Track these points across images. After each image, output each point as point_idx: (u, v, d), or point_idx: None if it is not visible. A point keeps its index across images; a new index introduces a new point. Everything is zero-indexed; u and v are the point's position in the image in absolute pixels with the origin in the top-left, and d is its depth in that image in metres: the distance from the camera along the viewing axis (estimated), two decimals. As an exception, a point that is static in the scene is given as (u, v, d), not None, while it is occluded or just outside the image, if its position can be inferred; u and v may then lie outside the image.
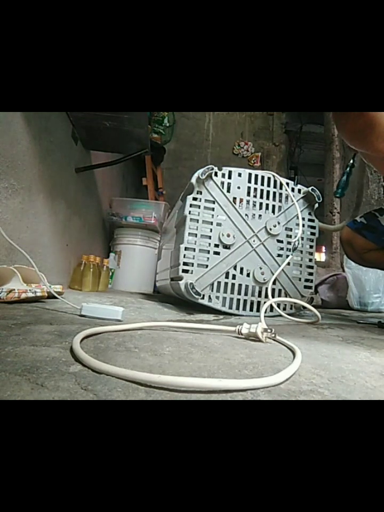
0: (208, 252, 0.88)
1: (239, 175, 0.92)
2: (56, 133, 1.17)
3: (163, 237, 1.13)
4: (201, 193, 0.88)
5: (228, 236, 0.88)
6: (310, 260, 0.97)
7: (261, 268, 0.91)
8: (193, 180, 0.87)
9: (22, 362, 0.30)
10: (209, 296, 0.87)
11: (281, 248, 0.93)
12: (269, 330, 0.49)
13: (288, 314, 0.85)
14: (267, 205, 0.93)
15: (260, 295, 0.91)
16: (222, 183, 0.90)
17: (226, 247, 0.89)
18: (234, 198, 0.91)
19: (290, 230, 0.95)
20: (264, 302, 0.90)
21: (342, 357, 0.44)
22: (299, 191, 0.96)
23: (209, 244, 0.88)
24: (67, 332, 0.44)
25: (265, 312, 0.88)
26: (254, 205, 0.92)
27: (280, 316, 0.88)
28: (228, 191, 0.91)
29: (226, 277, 0.88)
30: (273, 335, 0.49)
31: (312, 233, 0.98)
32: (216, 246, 0.88)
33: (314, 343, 0.53)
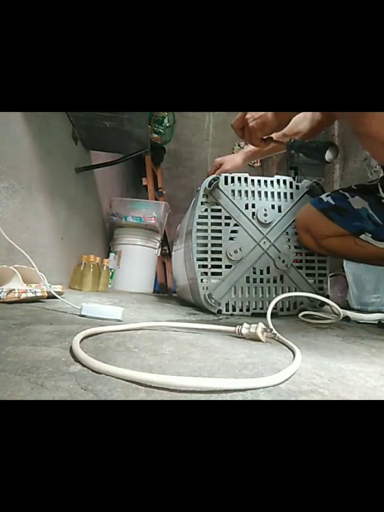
0: (221, 259, 0.89)
1: (245, 180, 0.93)
2: (56, 133, 1.17)
3: (177, 240, 1.14)
4: (209, 204, 0.90)
5: (235, 252, 0.88)
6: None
7: (280, 258, 0.91)
8: (201, 192, 0.88)
9: (22, 362, 0.30)
10: (227, 304, 0.88)
11: (289, 247, 0.94)
12: (268, 330, 0.49)
13: (303, 315, 0.85)
14: (272, 205, 0.94)
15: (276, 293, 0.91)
16: (233, 191, 0.91)
17: (236, 260, 0.90)
18: (246, 205, 0.92)
19: None
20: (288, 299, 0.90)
21: (342, 357, 0.44)
22: (297, 187, 0.96)
23: (221, 257, 0.89)
24: (67, 331, 0.44)
25: (279, 310, 0.89)
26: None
27: (293, 315, 0.89)
28: (234, 196, 0.92)
29: (247, 281, 0.90)
30: (273, 335, 0.49)
31: None
32: (229, 259, 0.89)
33: (314, 343, 0.53)
